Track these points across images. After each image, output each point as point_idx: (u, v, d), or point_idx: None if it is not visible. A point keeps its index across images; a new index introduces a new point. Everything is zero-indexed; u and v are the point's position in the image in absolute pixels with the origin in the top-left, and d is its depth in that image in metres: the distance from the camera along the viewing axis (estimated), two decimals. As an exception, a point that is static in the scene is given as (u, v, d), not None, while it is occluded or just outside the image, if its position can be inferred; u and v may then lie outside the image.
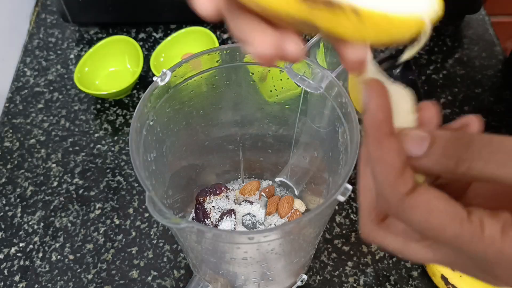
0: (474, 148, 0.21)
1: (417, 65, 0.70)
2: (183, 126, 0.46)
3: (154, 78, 0.39)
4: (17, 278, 0.52)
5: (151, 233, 0.55)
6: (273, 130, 0.51)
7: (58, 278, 0.52)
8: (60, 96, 0.67)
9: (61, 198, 0.58)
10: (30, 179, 0.60)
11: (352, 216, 0.56)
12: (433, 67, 0.70)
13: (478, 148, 0.21)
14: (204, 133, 0.50)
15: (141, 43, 0.72)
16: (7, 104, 0.67)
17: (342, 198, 0.33)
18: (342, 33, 0.21)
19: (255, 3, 0.20)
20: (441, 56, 0.71)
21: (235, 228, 0.51)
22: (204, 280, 0.48)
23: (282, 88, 0.45)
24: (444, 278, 0.49)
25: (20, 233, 0.56)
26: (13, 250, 0.54)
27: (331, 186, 0.44)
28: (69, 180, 0.60)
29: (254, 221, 0.53)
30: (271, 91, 0.46)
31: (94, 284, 0.52)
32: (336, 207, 0.57)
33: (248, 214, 0.53)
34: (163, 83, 0.39)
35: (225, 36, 0.73)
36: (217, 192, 0.53)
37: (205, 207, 0.52)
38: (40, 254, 0.54)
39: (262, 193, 0.55)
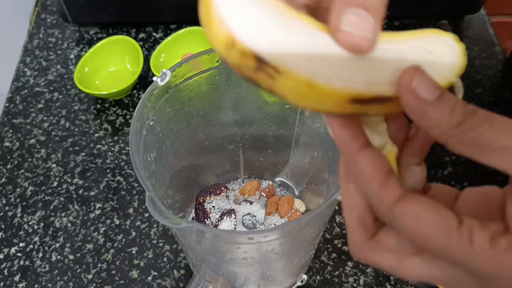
0: (479, 116, 0.20)
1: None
2: (183, 126, 0.46)
3: (154, 78, 0.39)
4: (17, 278, 0.52)
5: (151, 233, 0.55)
6: (273, 130, 0.51)
7: (58, 278, 0.52)
8: (60, 96, 0.67)
9: (61, 198, 0.58)
10: (30, 179, 0.60)
11: (352, 216, 0.56)
12: (433, 67, 0.70)
13: (483, 118, 0.20)
14: (204, 133, 0.50)
15: (141, 43, 0.72)
16: (7, 104, 0.67)
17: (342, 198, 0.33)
18: (390, 112, 0.23)
19: (312, 109, 0.21)
20: (441, 56, 0.71)
21: (235, 228, 0.51)
22: (204, 280, 0.48)
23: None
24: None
25: (20, 233, 0.56)
26: (13, 250, 0.54)
27: (331, 186, 0.44)
28: (69, 180, 0.60)
29: (254, 221, 0.53)
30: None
31: (94, 284, 0.52)
32: (336, 207, 0.57)
33: (248, 214, 0.53)
34: (163, 83, 0.39)
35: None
36: (217, 192, 0.53)
37: (205, 207, 0.52)
38: (40, 254, 0.54)
39: (262, 193, 0.55)
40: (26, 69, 0.70)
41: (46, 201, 0.58)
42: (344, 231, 0.55)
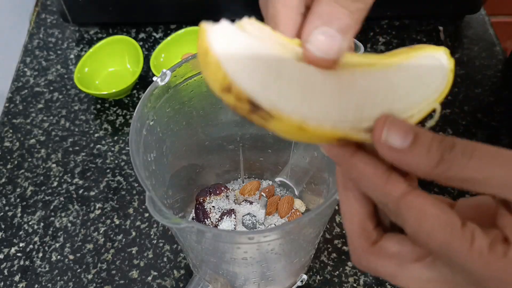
0: (457, 150, 0.21)
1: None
2: (183, 126, 0.46)
3: (154, 78, 0.39)
4: (17, 278, 0.53)
5: (151, 233, 0.55)
6: (273, 130, 0.51)
7: (58, 278, 0.52)
8: (60, 96, 0.67)
9: (61, 198, 0.58)
10: (30, 179, 0.60)
11: (352, 216, 0.56)
12: (433, 67, 0.70)
13: (461, 151, 0.21)
14: (204, 133, 0.49)
15: (141, 43, 0.73)
16: (7, 104, 0.67)
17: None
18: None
19: (308, 140, 0.23)
20: (441, 56, 0.71)
21: (235, 228, 0.51)
22: (204, 280, 0.48)
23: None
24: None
25: (20, 233, 0.56)
26: (13, 250, 0.54)
27: (331, 186, 0.44)
28: (69, 180, 0.60)
29: (254, 221, 0.53)
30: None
31: (94, 284, 0.52)
32: (336, 207, 0.57)
33: (248, 214, 0.53)
34: (163, 83, 0.39)
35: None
36: (217, 192, 0.53)
37: (205, 207, 0.52)
38: (40, 254, 0.54)
39: (262, 193, 0.55)
40: (26, 69, 0.70)
41: (46, 201, 0.58)
42: (344, 231, 0.55)
